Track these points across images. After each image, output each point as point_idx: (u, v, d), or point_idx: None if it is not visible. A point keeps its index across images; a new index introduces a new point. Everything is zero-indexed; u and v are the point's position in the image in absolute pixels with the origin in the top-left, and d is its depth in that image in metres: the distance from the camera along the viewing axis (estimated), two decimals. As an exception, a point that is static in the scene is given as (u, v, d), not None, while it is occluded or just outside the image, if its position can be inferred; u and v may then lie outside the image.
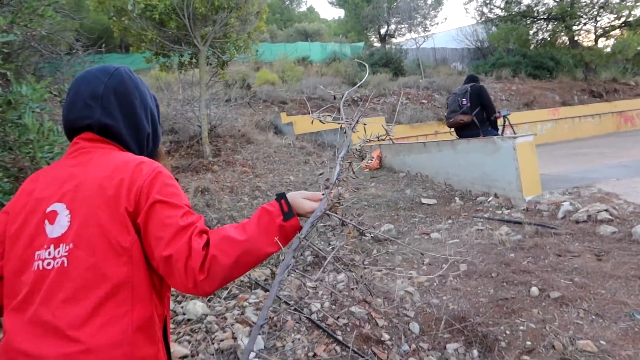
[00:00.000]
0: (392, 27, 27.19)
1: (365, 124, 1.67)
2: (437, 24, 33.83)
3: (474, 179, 6.45)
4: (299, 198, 1.33)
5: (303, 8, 49.90)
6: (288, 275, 1.28)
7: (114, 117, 1.29)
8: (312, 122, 1.81)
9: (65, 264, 1.11)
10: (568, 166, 7.88)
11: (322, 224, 1.40)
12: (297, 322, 3.49)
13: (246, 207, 6.59)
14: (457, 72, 22.56)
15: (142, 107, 1.37)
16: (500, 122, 6.50)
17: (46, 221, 1.17)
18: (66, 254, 1.12)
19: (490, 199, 6.08)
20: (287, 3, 46.91)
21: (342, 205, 1.40)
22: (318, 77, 19.60)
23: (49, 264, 1.12)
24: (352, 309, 3.55)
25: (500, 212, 5.67)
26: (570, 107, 17.88)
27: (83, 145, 1.28)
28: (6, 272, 1.18)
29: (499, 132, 6.46)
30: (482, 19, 24.83)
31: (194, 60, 9.54)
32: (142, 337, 1.13)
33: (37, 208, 1.20)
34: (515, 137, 5.69)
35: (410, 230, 5.46)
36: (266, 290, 4.07)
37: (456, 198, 6.49)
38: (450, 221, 5.65)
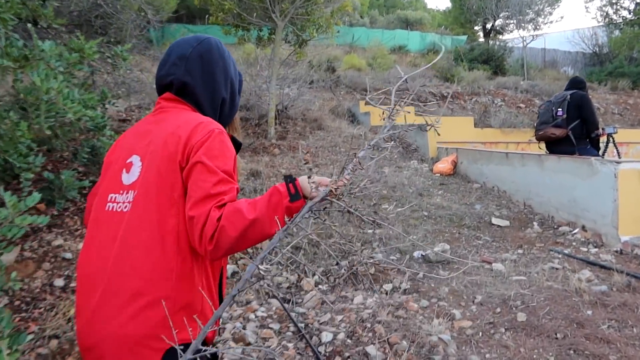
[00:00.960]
0: (499, 21, 25.22)
1: (407, 112, 1.54)
2: (551, 22, 30.96)
3: (559, 204, 5.44)
4: (307, 182, 1.32)
5: (409, -4, 48.21)
6: (270, 253, 1.17)
7: (194, 77, 1.42)
8: (382, 115, 1.71)
9: (128, 209, 1.28)
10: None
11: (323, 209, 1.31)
12: (299, 353, 2.92)
13: (294, 198, 6.07)
14: (566, 77, 20.43)
15: (222, 74, 1.47)
16: (602, 140, 5.37)
17: (124, 170, 1.35)
18: (132, 199, 1.28)
19: (575, 231, 5.07)
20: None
21: (344, 194, 1.29)
22: (409, 67, 18.56)
23: (118, 206, 1.30)
24: (369, 348, 2.90)
25: (585, 249, 4.68)
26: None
27: (162, 105, 1.45)
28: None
29: (600, 152, 5.36)
30: (605, 21, 22.24)
31: (272, 36, 9.11)
32: (183, 285, 1.25)
33: (121, 158, 1.38)
34: (618, 162, 4.63)
35: (469, 255, 4.65)
36: (282, 305, 3.53)
37: (534, 223, 5.52)
38: (520, 251, 4.75)
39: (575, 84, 5.49)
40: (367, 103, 1.61)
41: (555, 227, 5.36)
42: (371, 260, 3.59)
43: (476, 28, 28.87)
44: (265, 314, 3.43)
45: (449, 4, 29.83)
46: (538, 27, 24.34)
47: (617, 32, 23.40)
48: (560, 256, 4.53)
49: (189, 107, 1.43)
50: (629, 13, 21.08)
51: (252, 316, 3.40)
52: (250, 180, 6.46)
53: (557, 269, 4.20)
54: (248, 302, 3.68)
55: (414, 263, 4.45)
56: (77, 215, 4.24)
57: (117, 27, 6.62)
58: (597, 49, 23.81)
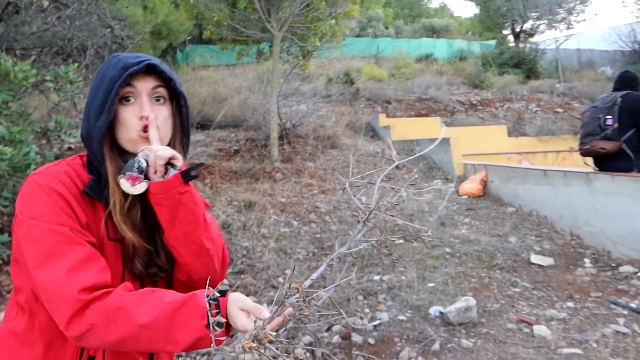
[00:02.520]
0: (529, 23, 23.83)
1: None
2: (584, 20, 29.20)
3: (617, 236, 4.31)
4: (235, 307, 0.91)
5: (435, 4, 47.23)
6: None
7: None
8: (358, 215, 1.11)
9: None
10: None
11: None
12: None
13: (290, 235, 5.14)
14: (606, 77, 18.92)
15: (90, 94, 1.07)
16: None
17: None
18: None
19: (642, 272, 3.94)
20: (418, -1, 44.87)
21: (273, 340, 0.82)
22: (436, 75, 17.46)
23: None
24: None
25: (658, 300, 3.55)
26: None
27: None
28: None
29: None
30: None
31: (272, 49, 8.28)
32: None
33: None
34: (698, 184, 3.52)
35: (502, 311, 3.59)
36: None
37: (585, 260, 4.40)
38: (571, 303, 3.65)
39: (627, 81, 4.36)
40: (343, 189, 1.10)
41: (613, 266, 4.22)
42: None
43: (505, 32, 27.58)
44: None
45: (477, 11, 28.73)
46: (571, 26, 22.86)
47: (659, 27, 21.72)
48: (626, 312, 3.42)
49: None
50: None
51: None
52: (241, 213, 5.57)
53: (623, 334, 3.10)
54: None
55: (427, 326, 3.42)
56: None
57: (79, 48, 5.89)
58: (637, 46, 22.11)
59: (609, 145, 4.19)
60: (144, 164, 1.00)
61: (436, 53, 24.70)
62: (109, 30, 6.47)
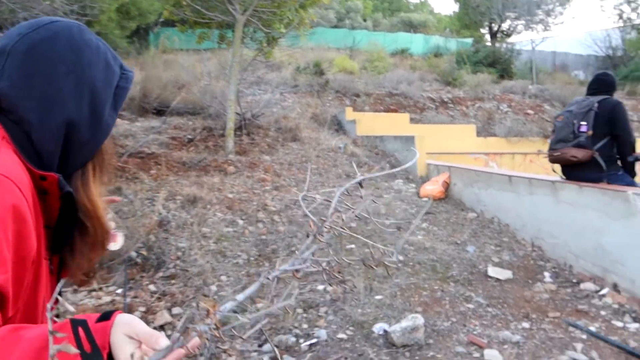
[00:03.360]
0: (507, 23, 23.80)
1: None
2: (562, 23, 29.42)
3: (580, 251, 4.03)
4: (120, 334, 0.68)
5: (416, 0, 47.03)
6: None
7: (13, 81, 0.82)
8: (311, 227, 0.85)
9: None
10: None
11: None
12: None
13: (233, 236, 4.70)
14: (578, 81, 18.98)
15: (71, 79, 0.86)
16: None
17: None
18: None
19: (604, 291, 3.65)
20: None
21: None
22: (409, 71, 17.14)
23: None
24: None
25: (619, 324, 3.26)
26: None
27: None
28: None
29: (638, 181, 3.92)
30: (621, 20, 20.78)
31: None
32: None
33: None
34: (668, 199, 3.23)
35: (452, 331, 3.24)
36: None
37: (546, 274, 4.10)
38: (526, 324, 3.34)
39: (604, 85, 4.03)
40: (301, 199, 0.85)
41: (574, 282, 3.93)
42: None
43: (483, 31, 27.56)
44: None
45: (456, 8, 28.63)
46: (548, 28, 22.91)
47: (632, 33, 21.93)
48: (584, 336, 3.12)
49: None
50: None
51: None
52: (184, 209, 5.11)
53: (581, 364, 2.79)
54: None
55: (368, 348, 3.04)
56: None
57: (9, 20, 5.25)
58: (611, 52, 22.30)
59: (581, 154, 3.88)
60: None
61: (412, 48, 24.54)
62: (48, 2, 5.86)
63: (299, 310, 3.54)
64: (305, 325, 3.36)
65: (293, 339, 3.14)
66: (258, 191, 5.92)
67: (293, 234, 4.80)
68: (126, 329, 0.69)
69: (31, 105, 0.83)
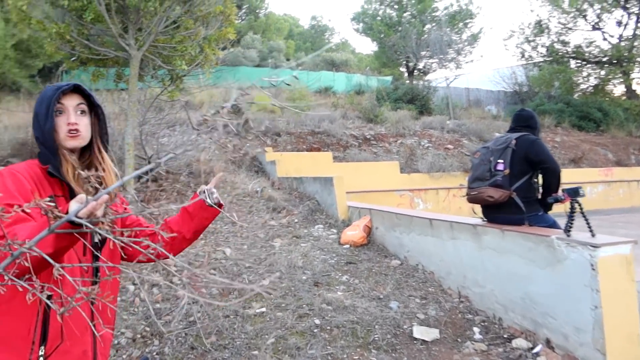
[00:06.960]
0: (422, 61, 24.76)
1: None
2: (472, 61, 31.16)
3: (508, 301, 3.70)
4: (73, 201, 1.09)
5: (336, 39, 48.36)
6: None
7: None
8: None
9: None
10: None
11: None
12: None
13: (123, 307, 3.96)
14: (492, 115, 19.87)
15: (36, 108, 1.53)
16: (564, 207, 3.63)
17: None
18: None
19: (537, 349, 3.30)
20: (316, 33, 45.87)
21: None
22: (330, 109, 17.07)
23: None
24: None
25: (558, 389, 2.89)
26: (627, 167, 14.86)
27: None
28: None
29: (563, 225, 3.65)
30: (524, 59, 22.16)
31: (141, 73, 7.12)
32: None
33: None
34: (596, 245, 2.94)
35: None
36: None
37: (475, 330, 3.72)
38: (457, 398, 2.88)
39: (523, 120, 3.82)
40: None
41: (505, 337, 3.57)
42: None
43: (402, 69, 28.53)
44: None
45: (376, 48, 29.56)
46: (459, 66, 24.02)
47: (535, 71, 23.50)
48: (522, 412, 2.71)
49: None
50: (546, 50, 21.02)
51: None
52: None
53: None
54: None
55: None
56: None
57: None
58: (518, 87, 23.72)
59: (497, 194, 3.59)
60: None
61: (335, 86, 24.92)
62: None
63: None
64: None
65: None
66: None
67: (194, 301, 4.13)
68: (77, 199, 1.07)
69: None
